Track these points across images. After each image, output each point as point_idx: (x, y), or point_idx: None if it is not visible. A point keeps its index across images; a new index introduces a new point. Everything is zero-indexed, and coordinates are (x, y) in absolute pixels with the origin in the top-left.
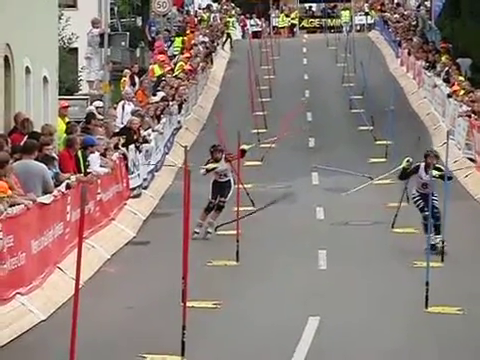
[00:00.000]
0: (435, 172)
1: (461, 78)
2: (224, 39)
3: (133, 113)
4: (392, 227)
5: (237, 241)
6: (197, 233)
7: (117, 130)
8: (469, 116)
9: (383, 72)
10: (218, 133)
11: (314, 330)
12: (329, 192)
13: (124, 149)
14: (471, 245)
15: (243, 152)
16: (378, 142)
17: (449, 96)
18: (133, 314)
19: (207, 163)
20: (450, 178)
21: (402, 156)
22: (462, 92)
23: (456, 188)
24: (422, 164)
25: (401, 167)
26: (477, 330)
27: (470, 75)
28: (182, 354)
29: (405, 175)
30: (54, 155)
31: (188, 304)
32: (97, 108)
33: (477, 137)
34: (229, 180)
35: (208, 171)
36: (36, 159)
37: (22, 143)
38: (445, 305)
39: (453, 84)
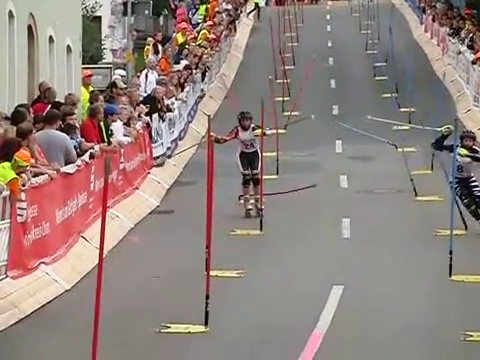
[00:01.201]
0: (463, 151)
1: None
2: (251, 8)
3: (158, 82)
4: (415, 195)
5: (260, 210)
6: (250, 210)
7: (141, 99)
8: None
9: (407, 39)
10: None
11: (338, 299)
12: (353, 160)
13: (148, 118)
14: None
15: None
16: (402, 109)
17: (473, 63)
18: (157, 283)
19: (232, 131)
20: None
21: (425, 123)
22: None
23: None
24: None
25: (438, 130)
26: None
27: None
28: (205, 323)
29: (440, 146)
30: (76, 124)
31: (212, 273)
32: (121, 77)
33: None
34: (256, 150)
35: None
36: (58, 129)
37: (45, 113)
38: (469, 273)
39: (477, 51)
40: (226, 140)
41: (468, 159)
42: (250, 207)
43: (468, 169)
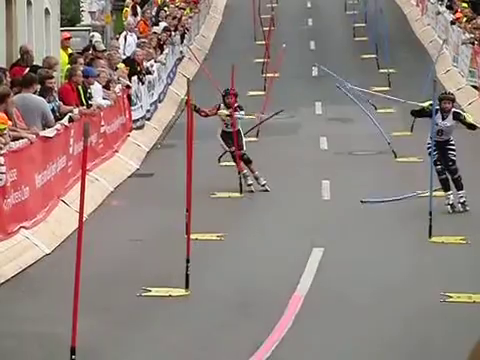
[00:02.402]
0: (426, 104)
1: (464, 4)
2: None
3: (138, 45)
4: (395, 157)
5: (239, 173)
6: (250, 185)
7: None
8: (472, 43)
9: None
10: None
11: (318, 261)
12: (333, 122)
13: (127, 81)
14: (473, 172)
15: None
16: (381, 70)
17: (452, 23)
18: (137, 247)
19: (215, 108)
20: (473, 127)
21: (405, 84)
22: (465, 19)
23: None
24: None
25: (421, 106)
26: (477, 256)
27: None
28: (186, 287)
29: (419, 114)
30: (55, 87)
31: (192, 237)
32: (95, 42)
33: None
34: (238, 129)
35: (216, 114)
36: (35, 92)
37: (22, 76)
38: (449, 235)
39: (456, 11)
40: (207, 114)
41: (449, 123)
42: (251, 182)
43: (448, 133)
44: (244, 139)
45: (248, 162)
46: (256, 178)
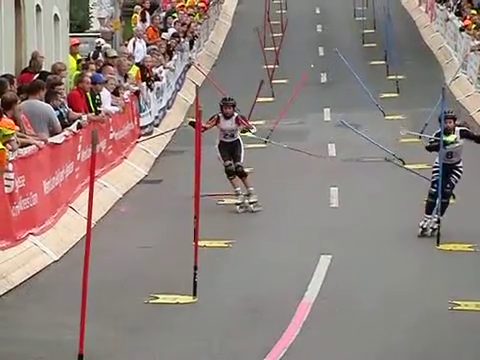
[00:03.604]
0: (451, 137)
1: (473, 12)
2: None
3: (148, 51)
4: (403, 164)
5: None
6: (240, 205)
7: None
8: None
9: (395, 5)
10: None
11: (326, 268)
12: (341, 128)
13: (137, 86)
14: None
15: (247, 130)
16: (390, 77)
17: (461, 30)
18: (145, 254)
19: (212, 118)
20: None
21: (413, 91)
22: (473, 26)
23: (468, 121)
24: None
25: (446, 139)
26: None
27: None
28: (194, 294)
29: (432, 149)
30: (64, 94)
31: (200, 244)
32: (105, 48)
33: None
34: (237, 140)
35: (206, 128)
36: (42, 99)
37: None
38: (457, 242)
39: (465, 18)
40: (205, 128)
41: (458, 143)
42: (240, 202)
43: (457, 154)
44: (243, 151)
45: (242, 175)
46: (248, 194)
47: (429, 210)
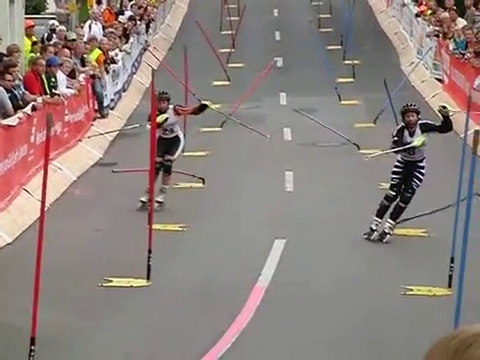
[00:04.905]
0: (418, 142)
1: None
2: None
3: (105, 35)
4: (358, 149)
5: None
6: (143, 203)
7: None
8: (437, 36)
9: None
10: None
11: (280, 252)
12: (297, 113)
13: (93, 70)
14: (440, 170)
15: (203, 107)
16: (346, 61)
17: (417, 16)
18: (99, 237)
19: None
20: (445, 128)
21: (369, 76)
22: (429, 12)
23: (423, 106)
24: (402, 125)
25: (414, 145)
26: (440, 251)
27: None
28: (148, 277)
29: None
30: (18, 75)
31: (154, 227)
32: (60, 30)
33: (445, 57)
34: (177, 135)
35: (160, 125)
36: None
37: None
38: (410, 227)
39: (421, 4)
40: (165, 120)
41: (424, 139)
42: (160, 200)
43: (421, 150)
44: (181, 147)
45: (167, 171)
46: (161, 190)
47: (381, 213)
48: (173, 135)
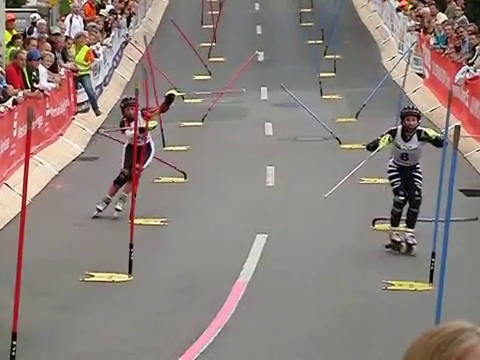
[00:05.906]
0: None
1: None
2: None
3: (87, 29)
4: (340, 143)
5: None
6: (100, 211)
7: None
8: (418, 31)
9: None
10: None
11: (261, 247)
12: (278, 107)
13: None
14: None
15: (170, 99)
16: (327, 56)
17: (398, 10)
18: (81, 231)
19: (121, 124)
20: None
21: (350, 71)
22: (410, 7)
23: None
24: (399, 127)
25: (379, 145)
26: (422, 246)
27: None
28: (129, 272)
29: (375, 148)
30: (2, 70)
31: (136, 222)
32: (40, 24)
33: (426, 52)
34: (148, 143)
35: (147, 129)
36: None
37: None
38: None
39: None
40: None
41: (414, 146)
42: (101, 208)
43: (415, 156)
44: (151, 157)
45: (131, 179)
46: (121, 198)
47: (396, 222)
48: (146, 143)
